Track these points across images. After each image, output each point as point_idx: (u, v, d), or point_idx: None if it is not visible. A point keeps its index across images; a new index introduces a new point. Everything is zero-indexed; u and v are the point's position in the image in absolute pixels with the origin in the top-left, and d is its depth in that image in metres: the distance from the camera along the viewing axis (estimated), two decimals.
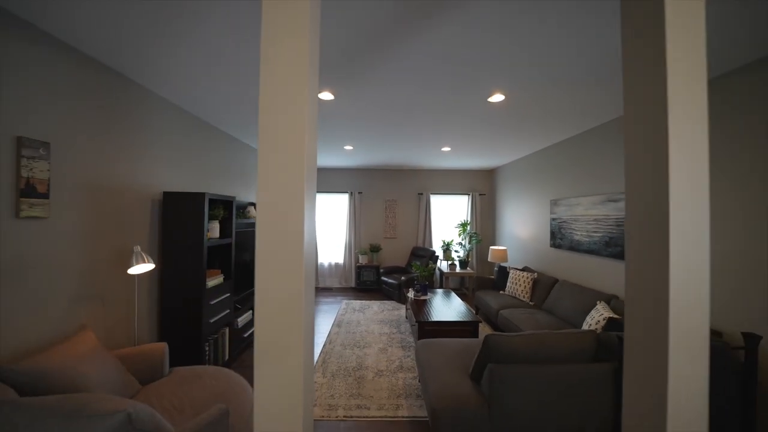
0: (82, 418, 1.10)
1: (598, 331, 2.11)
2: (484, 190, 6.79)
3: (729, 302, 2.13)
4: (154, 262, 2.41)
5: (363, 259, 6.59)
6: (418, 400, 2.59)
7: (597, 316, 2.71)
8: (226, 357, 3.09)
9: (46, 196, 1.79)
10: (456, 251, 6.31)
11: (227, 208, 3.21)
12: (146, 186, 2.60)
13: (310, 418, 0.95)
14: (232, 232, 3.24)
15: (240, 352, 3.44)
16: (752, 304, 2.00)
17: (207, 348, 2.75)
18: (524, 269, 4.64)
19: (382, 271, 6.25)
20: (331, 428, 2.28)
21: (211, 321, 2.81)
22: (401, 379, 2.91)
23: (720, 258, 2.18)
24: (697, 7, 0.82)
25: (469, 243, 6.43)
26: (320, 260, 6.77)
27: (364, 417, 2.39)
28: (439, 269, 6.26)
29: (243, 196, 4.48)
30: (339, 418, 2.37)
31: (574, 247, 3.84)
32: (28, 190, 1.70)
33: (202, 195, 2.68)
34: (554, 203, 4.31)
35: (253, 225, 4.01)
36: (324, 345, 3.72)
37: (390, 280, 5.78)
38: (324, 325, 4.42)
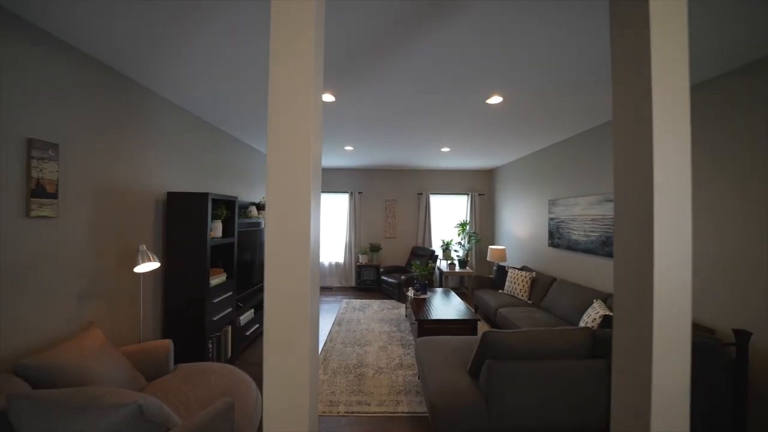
0: (95, 410, 1.14)
1: (594, 329, 2.16)
2: (483, 190, 6.84)
3: (729, 301, 2.14)
4: (159, 261, 2.46)
5: (363, 259, 6.64)
6: (417, 397, 2.64)
7: (593, 314, 2.76)
8: (229, 354, 3.14)
9: (54, 196, 1.84)
10: (455, 251, 6.36)
11: (230, 208, 3.25)
12: (150, 186, 2.65)
13: (315, 408, 0.99)
14: (235, 232, 3.28)
15: (242, 350, 3.49)
16: (751, 304, 2.01)
17: (210, 345, 2.80)
18: (523, 268, 4.69)
19: (382, 270, 6.30)
20: (332, 423, 2.32)
21: (214, 319, 2.86)
22: (401, 376, 2.96)
23: (720, 258, 2.19)
24: (679, 12, 0.86)
25: (469, 242, 6.48)
26: (321, 260, 6.81)
27: (364, 413, 2.44)
28: (439, 268, 6.31)
29: (245, 196, 4.53)
30: (340, 414, 2.42)
31: (572, 247, 3.89)
32: (38, 191, 1.74)
33: (205, 195, 2.73)
34: (552, 203, 4.36)
35: (254, 225, 4.06)
36: (325, 343, 3.76)
37: (390, 280, 5.83)
38: (325, 323, 4.47)
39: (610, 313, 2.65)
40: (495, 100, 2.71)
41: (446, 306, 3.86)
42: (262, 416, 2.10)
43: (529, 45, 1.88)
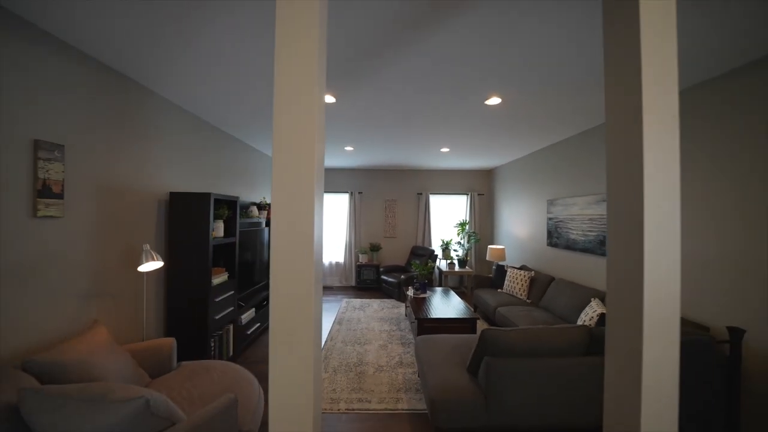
0: (104, 404, 1.17)
1: (591, 326, 2.20)
2: (482, 190, 6.88)
3: (727, 300, 2.14)
4: (162, 261, 2.49)
5: (363, 258, 6.68)
6: (417, 394, 2.67)
7: (591, 312, 2.80)
8: (231, 353, 3.17)
9: (60, 196, 1.87)
10: (455, 250, 6.39)
11: (231, 208, 3.28)
12: (152, 186, 2.67)
13: (319, 405, 1.03)
14: (236, 232, 3.32)
15: (243, 349, 3.52)
16: (750, 304, 2.01)
17: (212, 344, 2.83)
18: (521, 268, 4.73)
19: (382, 269, 6.33)
20: (333, 420, 2.36)
21: (216, 318, 2.89)
22: (401, 374, 3.00)
23: (719, 257, 2.19)
24: (668, 20, 0.90)
25: (468, 242, 6.52)
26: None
27: (365, 410, 2.47)
28: (438, 268, 6.35)
29: (245, 196, 4.56)
30: (341, 411, 2.45)
31: (570, 246, 3.92)
32: (45, 191, 1.77)
33: (207, 195, 2.76)
34: (551, 203, 4.39)
35: (255, 224, 4.09)
36: (326, 342, 3.80)
37: (390, 279, 5.87)
38: (325, 322, 4.50)
39: None
40: (494, 101, 2.74)
41: (446, 305, 3.89)
42: (264, 412, 2.14)
43: (529, 45, 1.87)
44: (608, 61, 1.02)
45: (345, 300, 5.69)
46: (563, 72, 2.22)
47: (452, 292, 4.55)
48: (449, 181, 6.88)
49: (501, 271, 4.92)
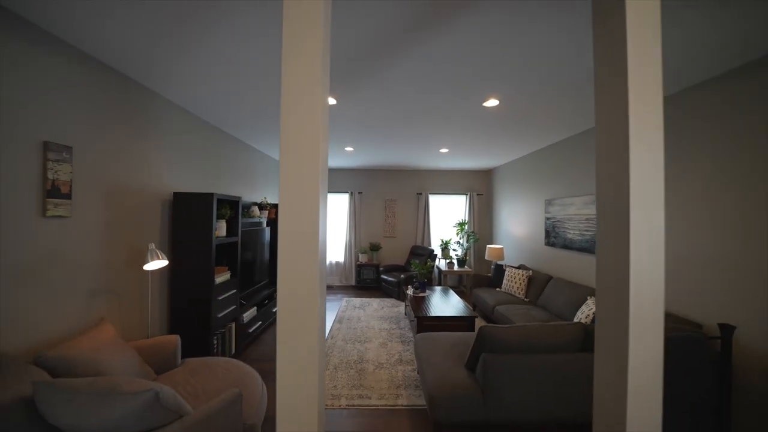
0: (115, 396, 1.22)
1: (586, 324, 2.25)
2: (481, 190, 6.93)
3: (726, 299, 2.16)
4: (167, 259, 2.53)
5: (363, 258, 6.73)
6: (417, 390, 2.72)
7: (587, 310, 2.85)
8: (233, 351, 3.22)
9: (68, 196, 1.92)
10: (454, 250, 6.45)
11: (233, 208, 3.33)
12: (156, 187, 2.72)
13: (323, 393, 1.07)
14: (239, 231, 3.36)
15: (245, 347, 3.57)
16: (749, 304, 2.03)
17: (215, 342, 2.88)
18: (520, 267, 4.78)
19: (381, 269, 6.38)
20: (334, 416, 2.41)
21: (219, 316, 2.94)
22: (401, 372, 3.05)
23: (719, 257, 2.21)
24: (653, 27, 0.95)
25: (467, 242, 6.57)
26: None
27: (365, 406, 2.52)
28: (438, 267, 6.40)
29: (246, 196, 4.61)
30: (342, 407, 2.50)
31: (568, 246, 3.98)
32: (53, 191, 1.82)
33: (210, 195, 2.80)
34: (549, 203, 4.45)
35: (256, 224, 4.14)
36: (326, 340, 3.84)
37: (389, 278, 5.92)
38: (326, 321, 4.54)
39: None
40: (492, 103, 2.79)
41: (445, 304, 3.94)
42: (267, 407, 2.19)
43: (529, 45, 1.89)
44: (598, 63, 1.07)
45: (345, 299, 5.74)
46: (563, 72, 2.23)
47: (451, 291, 4.60)
48: (449, 181, 6.94)
49: (499, 270, 4.97)
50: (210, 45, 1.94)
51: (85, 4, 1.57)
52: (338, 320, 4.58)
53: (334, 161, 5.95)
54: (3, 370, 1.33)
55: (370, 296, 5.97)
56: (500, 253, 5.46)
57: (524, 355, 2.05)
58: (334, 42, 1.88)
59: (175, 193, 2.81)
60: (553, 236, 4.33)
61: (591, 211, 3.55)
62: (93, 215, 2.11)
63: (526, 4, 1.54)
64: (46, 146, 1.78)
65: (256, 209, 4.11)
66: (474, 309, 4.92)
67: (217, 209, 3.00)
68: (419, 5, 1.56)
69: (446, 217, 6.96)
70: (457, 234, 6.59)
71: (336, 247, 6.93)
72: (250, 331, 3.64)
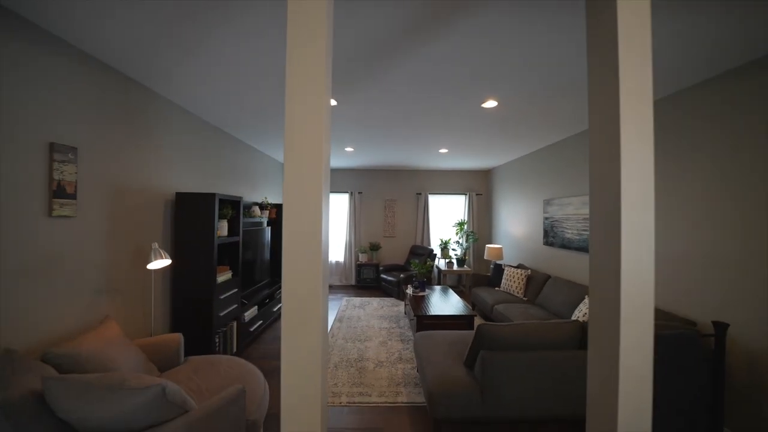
0: (122, 390, 1.26)
1: (583, 322, 2.28)
2: (480, 190, 6.97)
3: (724, 299, 2.17)
4: (170, 259, 2.56)
5: (363, 258, 6.76)
6: (416, 388, 2.76)
7: (584, 309, 2.88)
8: (234, 349, 3.25)
9: (73, 196, 1.95)
10: (453, 249, 6.49)
11: (235, 208, 3.36)
12: (159, 187, 2.75)
13: (325, 388, 1.11)
14: (240, 231, 3.39)
15: (246, 345, 3.60)
16: (749, 303, 2.04)
17: (217, 340, 2.91)
18: (518, 266, 4.81)
19: (381, 268, 6.42)
20: (335, 413, 2.44)
21: (221, 315, 2.97)
22: (400, 370, 3.08)
23: (720, 257, 2.22)
24: (644, 28, 0.98)
25: (466, 241, 6.61)
26: None
27: (366, 403, 2.55)
28: (437, 267, 6.44)
29: (247, 196, 4.64)
30: (342, 404, 2.54)
31: (566, 245, 4.02)
32: (59, 192, 1.85)
33: (212, 195, 2.84)
34: (547, 203, 4.48)
35: (257, 224, 4.17)
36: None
37: (389, 278, 5.95)
38: None
39: None
40: (490, 104, 2.82)
41: (444, 303, 3.98)
42: (270, 404, 2.22)
43: (529, 45, 1.90)
44: (591, 65, 1.10)
45: (345, 298, 5.77)
46: (562, 72, 2.25)
47: (451, 291, 4.64)
48: (448, 181, 6.97)
49: (498, 269, 5.00)
50: (210, 45, 1.95)
51: (85, 4, 1.59)
52: (338, 319, 4.61)
53: (335, 161, 5.98)
54: (14, 367, 1.36)
55: (370, 295, 6.00)
56: (499, 252, 5.50)
57: (522, 353, 2.08)
58: (334, 42, 1.90)
59: (177, 194, 2.85)
60: (551, 236, 4.36)
61: (588, 210, 3.58)
62: (97, 215, 2.14)
63: (525, 5, 1.56)
64: (53, 147, 1.81)
65: (257, 209, 4.14)
66: (473, 308, 4.96)
67: (219, 209, 3.03)
68: (418, 6, 1.58)
69: (445, 217, 7.00)
70: (457, 234, 6.62)
71: (336, 247, 6.96)
72: (251, 329, 3.67)
